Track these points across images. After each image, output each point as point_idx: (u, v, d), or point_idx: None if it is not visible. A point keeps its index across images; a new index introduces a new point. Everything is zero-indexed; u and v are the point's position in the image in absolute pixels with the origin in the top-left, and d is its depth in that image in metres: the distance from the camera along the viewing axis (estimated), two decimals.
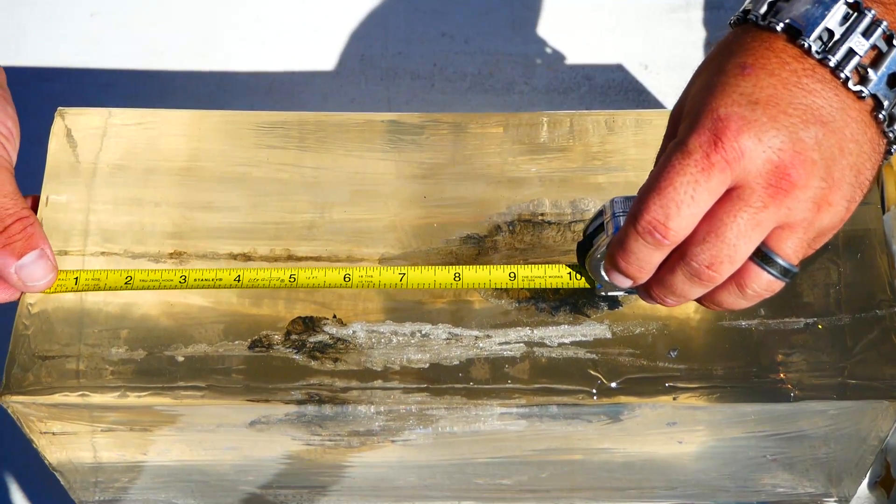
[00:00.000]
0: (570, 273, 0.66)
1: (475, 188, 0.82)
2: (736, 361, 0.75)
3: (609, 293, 0.66)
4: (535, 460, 0.83)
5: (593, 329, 0.77)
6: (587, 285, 0.66)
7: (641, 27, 1.37)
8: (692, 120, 0.55)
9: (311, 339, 0.77)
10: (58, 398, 0.75)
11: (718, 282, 0.57)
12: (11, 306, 0.77)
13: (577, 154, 0.82)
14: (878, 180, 0.83)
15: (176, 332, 0.77)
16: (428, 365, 0.76)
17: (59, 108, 0.84)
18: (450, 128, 0.84)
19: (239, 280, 0.69)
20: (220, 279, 0.69)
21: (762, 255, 0.56)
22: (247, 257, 0.80)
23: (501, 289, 0.78)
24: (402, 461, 0.84)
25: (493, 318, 0.77)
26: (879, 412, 0.75)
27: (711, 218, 0.55)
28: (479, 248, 0.80)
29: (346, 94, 1.36)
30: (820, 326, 0.76)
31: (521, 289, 0.78)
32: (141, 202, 0.82)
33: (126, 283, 0.70)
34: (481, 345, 0.76)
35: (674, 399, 0.74)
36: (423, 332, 0.77)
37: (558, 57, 1.37)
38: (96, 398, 0.75)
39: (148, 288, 0.70)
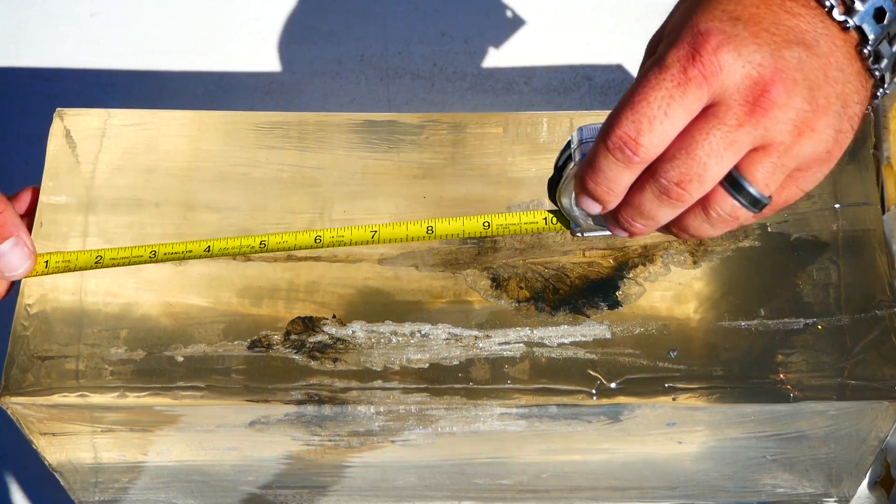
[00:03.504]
0: (545, 218, 0.63)
1: (475, 188, 0.82)
2: (736, 362, 0.75)
3: (585, 234, 0.62)
4: (534, 460, 0.83)
5: (593, 329, 0.76)
6: (563, 228, 0.63)
7: (641, 27, 1.37)
8: (672, 37, 0.53)
9: (311, 339, 0.77)
10: (57, 399, 0.75)
11: (687, 202, 0.54)
12: (10, 306, 0.77)
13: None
14: (878, 180, 0.83)
15: (175, 332, 0.77)
16: (428, 365, 0.76)
17: (58, 108, 0.84)
18: (449, 128, 0.84)
19: (209, 251, 0.66)
20: (191, 251, 0.67)
21: (732, 180, 0.53)
22: (246, 257, 0.80)
23: (501, 289, 0.78)
24: (401, 461, 0.83)
25: (493, 318, 0.77)
26: (879, 412, 0.75)
27: (684, 135, 0.52)
28: (478, 248, 0.80)
29: (346, 94, 1.36)
30: (820, 327, 0.76)
31: (521, 288, 0.78)
32: (141, 202, 0.82)
33: (96, 262, 0.68)
34: (481, 345, 0.76)
35: (673, 399, 0.74)
36: (423, 332, 0.77)
37: (558, 57, 1.37)
38: (96, 398, 0.75)
39: (119, 265, 0.67)
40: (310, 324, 0.77)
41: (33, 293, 0.78)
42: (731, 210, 0.54)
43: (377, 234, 0.65)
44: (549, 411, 0.76)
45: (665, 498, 0.87)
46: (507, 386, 0.75)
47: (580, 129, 0.58)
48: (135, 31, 1.40)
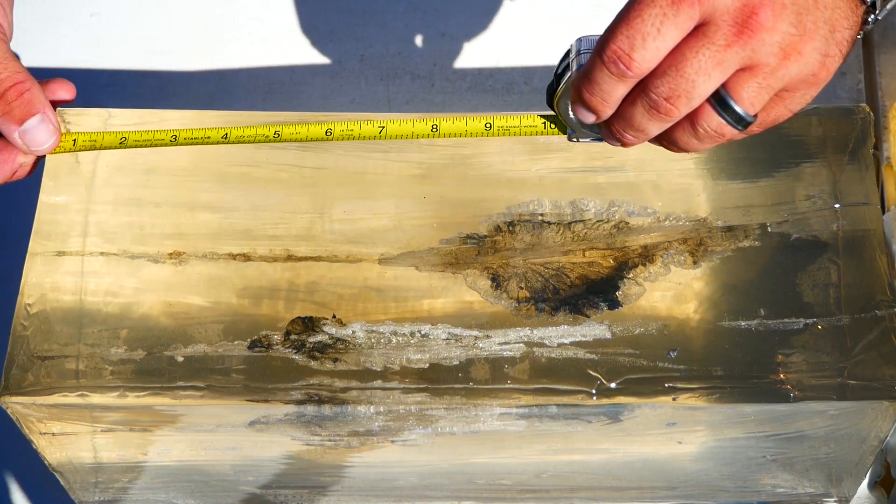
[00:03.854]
0: (544, 122, 0.65)
1: (475, 188, 0.82)
2: (736, 362, 0.75)
3: (580, 140, 0.64)
4: (534, 460, 0.83)
5: (593, 329, 0.76)
6: (560, 133, 0.65)
7: None
8: None
9: (311, 339, 0.77)
10: (57, 398, 0.75)
11: (675, 116, 0.56)
12: (10, 306, 0.77)
13: (577, 154, 0.82)
14: (878, 180, 0.83)
15: (175, 331, 0.77)
16: (427, 365, 0.76)
17: (59, 108, 0.84)
18: None
19: (226, 137, 0.69)
20: (209, 137, 0.69)
21: (719, 98, 0.55)
22: (246, 257, 0.80)
23: (501, 289, 0.78)
24: (401, 461, 0.83)
25: (493, 318, 0.77)
26: (879, 412, 0.75)
27: (675, 53, 0.55)
28: (479, 248, 0.80)
29: (346, 94, 1.36)
30: (820, 327, 0.76)
31: (521, 288, 0.78)
32: (141, 202, 0.81)
33: (121, 143, 0.69)
34: (481, 345, 0.76)
35: (673, 399, 0.74)
36: (423, 332, 0.77)
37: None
38: (96, 398, 0.75)
39: (141, 146, 0.69)
40: (310, 324, 0.77)
41: (33, 293, 0.78)
42: (717, 126, 0.56)
43: (384, 129, 0.68)
44: (549, 411, 0.76)
45: (665, 498, 0.87)
46: (506, 386, 0.75)
47: (579, 40, 0.60)
48: (135, 31, 1.40)
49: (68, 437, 0.80)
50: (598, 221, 0.80)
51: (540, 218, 0.80)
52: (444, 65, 1.37)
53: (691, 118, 0.57)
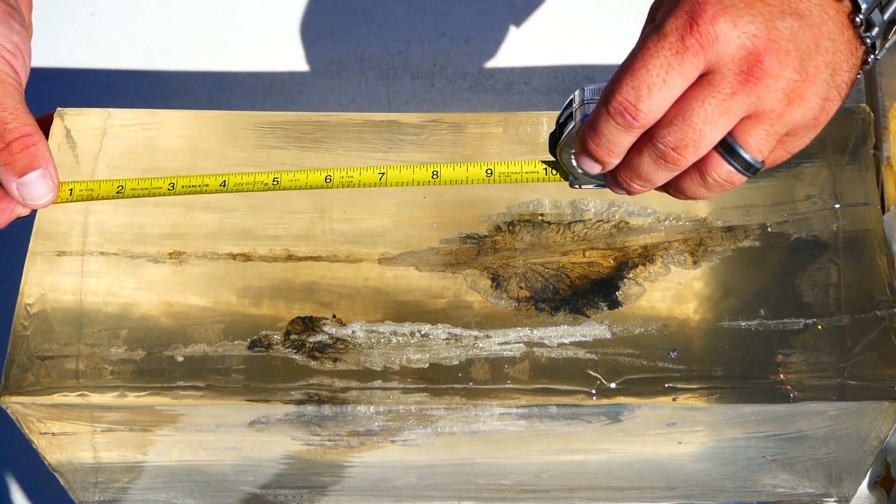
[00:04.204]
0: (545, 169, 0.65)
1: (475, 188, 0.82)
2: (736, 362, 0.75)
3: (582, 186, 0.64)
4: (534, 460, 0.83)
5: (593, 329, 0.76)
6: (562, 180, 0.65)
7: (641, 27, 1.37)
8: (671, 5, 0.55)
9: (311, 339, 0.77)
10: (57, 398, 0.75)
11: (683, 166, 0.56)
12: (10, 306, 0.77)
13: None
14: (878, 180, 0.83)
15: (175, 331, 0.77)
16: (427, 365, 0.76)
17: (59, 108, 0.84)
18: (450, 128, 0.84)
19: (224, 185, 0.67)
20: (207, 185, 0.68)
21: (727, 146, 0.55)
22: (246, 257, 0.80)
23: (501, 289, 0.78)
24: (401, 461, 0.83)
25: (493, 318, 0.77)
26: (879, 413, 0.75)
27: (681, 102, 0.55)
28: (479, 248, 0.80)
29: (346, 94, 1.36)
30: (820, 327, 0.76)
31: (521, 288, 0.78)
32: (140, 202, 0.81)
33: (118, 192, 0.68)
34: (481, 345, 0.76)
35: (673, 400, 0.74)
36: (423, 332, 0.77)
37: (558, 57, 1.37)
38: (96, 398, 0.75)
39: (139, 195, 0.68)
40: (310, 324, 0.77)
41: (33, 293, 0.78)
42: (727, 175, 0.57)
43: (385, 176, 0.67)
44: (549, 411, 0.76)
45: (665, 498, 0.87)
46: (506, 386, 0.75)
47: (582, 90, 0.61)
48: (135, 31, 1.40)
49: (68, 437, 0.80)
50: (598, 221, 0.80)
51: (540, 218, 0.80)
52: (444, 65, 1.37)
53: (699, 167, 0.57)
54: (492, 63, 1.37)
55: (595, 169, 0.59)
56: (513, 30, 1.39)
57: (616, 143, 0.57)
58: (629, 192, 0.60)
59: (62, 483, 0.86)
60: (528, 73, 1.35)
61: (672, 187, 0.59)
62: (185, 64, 1.38)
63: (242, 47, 1.39)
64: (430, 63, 1.37)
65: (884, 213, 0.81)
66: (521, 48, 1.37)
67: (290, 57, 1.38)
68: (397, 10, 1.41)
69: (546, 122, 0.84)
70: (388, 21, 1.40)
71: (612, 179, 0.60)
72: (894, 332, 0.75)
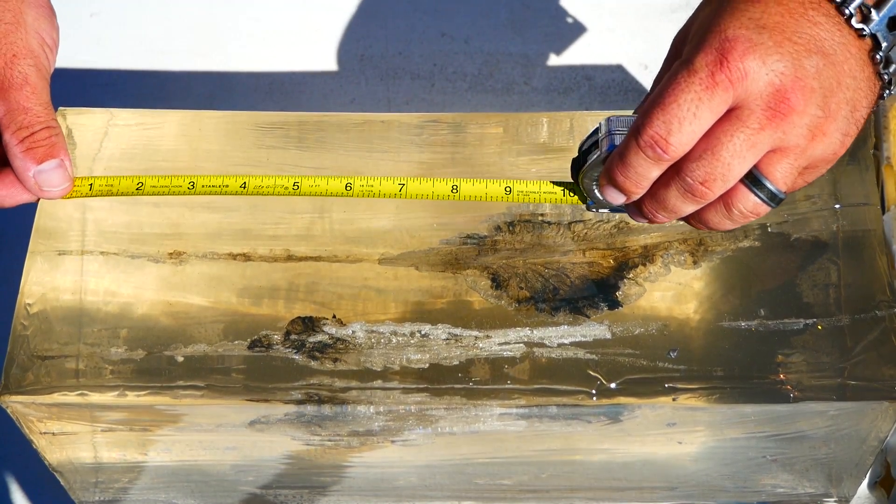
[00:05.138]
0: (563, 190, 0.66)
1: None
2: (736, 362, 0.75)
3: (599, 210, 0.66)
4: (534, 460, 0.83)
5: (593, 329, 0.76)
6: (579, 202, 0.66)
7: (641, 27, 1.37)
8: (699, 40, 0.56)
9: (311, 339, 0.77)
10: (57, 398, 0.75)
11: (710, 199, 0.58)
12: (10, 306, 0.77)
13: None
14: (878, 180, 0.83)
15: (175, 331, 0.77)
16: (428, 365, 0.76)
17: (60, 108, 0.84)
18: (449, 128, 0.84)
19: (245, 187, 0.68)
20: (227, 185, 0.68)
21: (752, 178, 0.57)
22: (246, 257, 0.80)
23: (501, 289, 0.78)
24: (402, 461, 0.83)
25: (493, 319, 0.77)
26: (879, 413, 0.75)
27: (709, 136, 0.56)
28: (479, 248, 0.80)
29: (346, 94, 1.36)
30: (820, 327, 0.76)
31: (521, 288, 0.78)
32: (140, 202, 0.81)
33: (138, 189, 0.69)
34: (481, 345, 0.76)
35: (673, 400, 0.74)
36: (423, 333, 0.77)
37: (558, 57, 1.37)
38: (96, 398, 0.75)
39: (158, 193, 0.69)
40: (310, 324, 0.77)
41: (33, 293, 0.78)
42: (752, 206, 0.58)
43: (405, 187, 0.67)
44: (549, 411, 0.76)
45: (665, 498, 0.87)
46: (506, 386, 0.75)
47: (608, 120, 0.61)
48: (135, 31, 1.40)
49: (68, 437, 0.80)
50: (598, 221, 0.80)
51: (540, 218, 0.80)
52: (444, 65, 1.37)
53: (725, 199, 0.58)
54: (492, 63, 1.37)
55: (619, 199, 0.61)
56: (513, 30, 1.39)
57: (644, 175, 0.58)
58: (651, 222, 0.62)
59: (62, 483, 0.86)
60: (528, 73, 1.35)
61: (695, 218, 0.60)
62: (185, 64, 1.37)
63: (242, 47, 1.39)
64: (430, 63, 1.37)
65: (884, 213, 0.81)
66: (521, 48, 1.37)
67: (290, 57, 1.38)
68: (397, 10, 1.41)
69: (546, 122, 0.84)
70: (388, 21, 1.40)
71: (636, 209, 0.62)
72: (894, 332, 0.75)
